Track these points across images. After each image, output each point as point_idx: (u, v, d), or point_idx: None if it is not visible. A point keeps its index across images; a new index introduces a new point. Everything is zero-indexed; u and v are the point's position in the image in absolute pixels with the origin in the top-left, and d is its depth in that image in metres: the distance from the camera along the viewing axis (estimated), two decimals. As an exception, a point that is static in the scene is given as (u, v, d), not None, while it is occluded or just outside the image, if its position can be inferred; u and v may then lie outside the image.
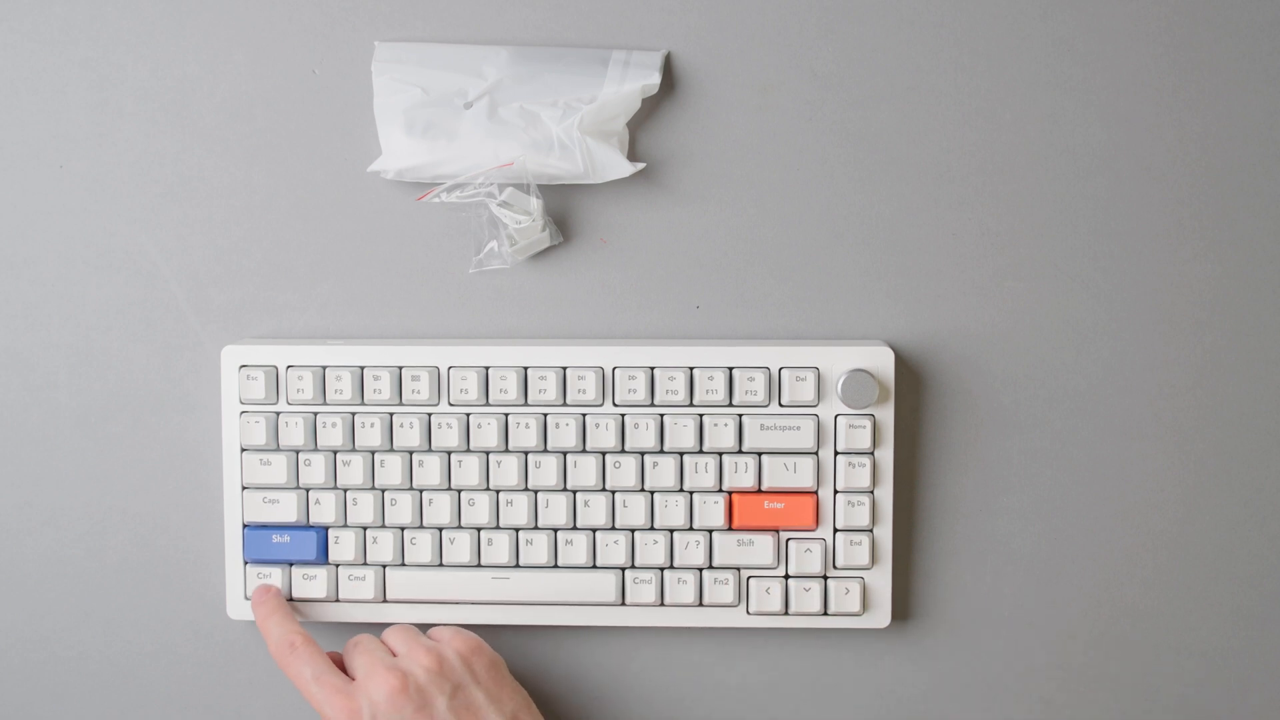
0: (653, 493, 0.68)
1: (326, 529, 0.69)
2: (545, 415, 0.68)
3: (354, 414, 0.68)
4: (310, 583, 0.68)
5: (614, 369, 0.68)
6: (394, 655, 0.64)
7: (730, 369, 0.68)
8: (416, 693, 0.62)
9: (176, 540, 0.72)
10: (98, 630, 0.72)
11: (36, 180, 0.70)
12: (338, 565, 0.69)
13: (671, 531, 0.68)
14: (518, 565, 0.68)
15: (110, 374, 0.71)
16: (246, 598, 0.69)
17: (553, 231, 0.69)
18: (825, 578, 0.69)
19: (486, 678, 0.64)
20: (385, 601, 0.69)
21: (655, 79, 0.68)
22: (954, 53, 0.69)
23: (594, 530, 0.68)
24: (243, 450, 0.68)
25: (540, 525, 0.68)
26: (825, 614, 0.69)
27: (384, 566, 0.69)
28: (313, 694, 0.63)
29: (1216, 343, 0.70)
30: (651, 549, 0.68)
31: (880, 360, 0.68)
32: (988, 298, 0.70)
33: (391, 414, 0.68)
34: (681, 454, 0.68)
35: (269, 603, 0.68)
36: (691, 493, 0.68)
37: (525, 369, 0.68)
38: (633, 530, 0.68)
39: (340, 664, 0.66)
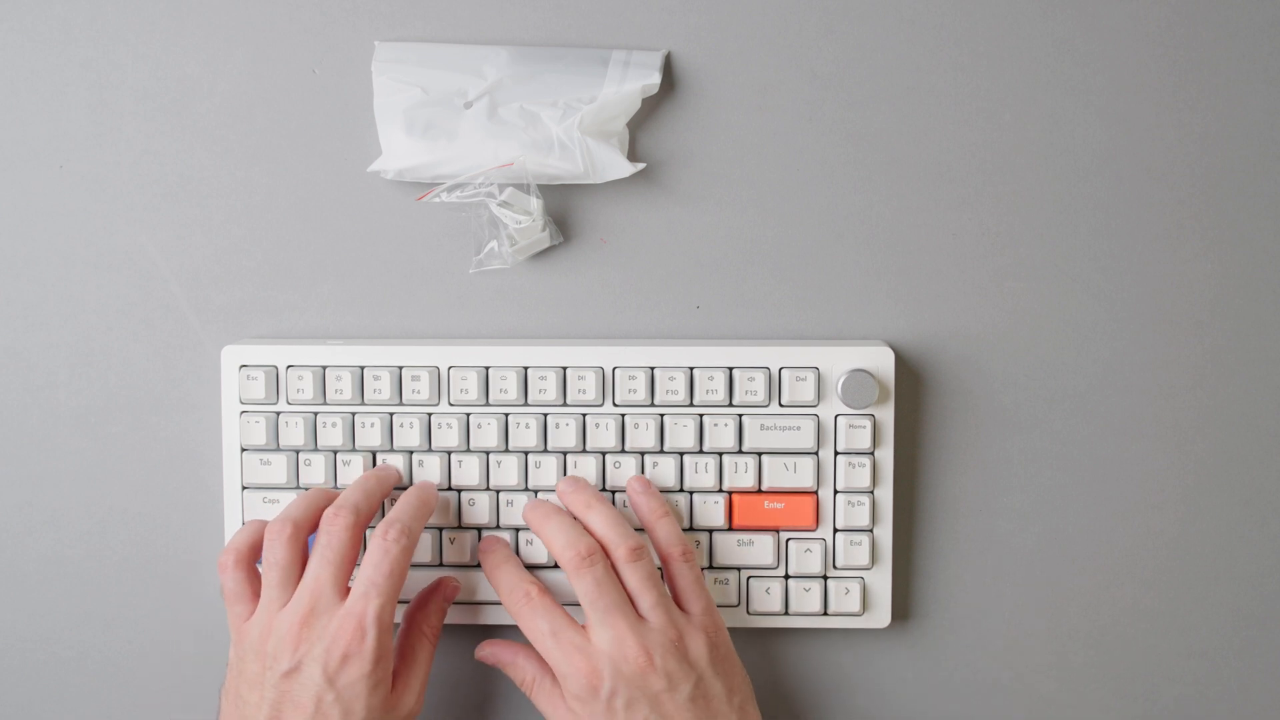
0: (653, 493, 0.68)
1: (326, 529, 0.68)
2: (545, 415, 0.68)
3: (354, 414, 0.68)
4: (310, 583, 0.68)
5: (614, 369, 0.68)
6: (632, 603, 0.62)
7: (730, 369, 0.68)
8: (664, 676, 0.60)
9: (176, 540, 0.72)
10: (98, 630, 0.72)
11: (36, 180, 0.70)
12: (338, 565, 0.69)
13: (671, 531, 0.68)
14: (518, 565, 0.68)
15: (110, 374, 0.71)
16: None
17: (553, 231, 0.69)
18: (825, 578, 0.69)
19: (723, 664, 0.63)
20: (385, 601, 0.69)
21: (655, 79, 0.68)
22: (954, 53, 0.69)
23: (594, 530, 0.68)
24: (243, 450, 0.68)
25: (540, 525, 0.68)
26: (825, 614, 0.69)
27: (384, 566, 0.69)
28: (548, 649, 0.62)
29: (1216, 343, 0.70)
30: (652, 549, 0.68)
31: (880, 360, 0.68)
32: (988, 298, 0.70)
33: (391, 414, 0.68)
34: (681, 454, 0.68)
35: (498, 552, 0.66)
36: (692, 493, 0.68)
37: (525, 369, 0.68)
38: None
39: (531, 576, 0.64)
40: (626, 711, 0.60)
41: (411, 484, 0.68)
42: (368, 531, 0.67)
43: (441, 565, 0.68)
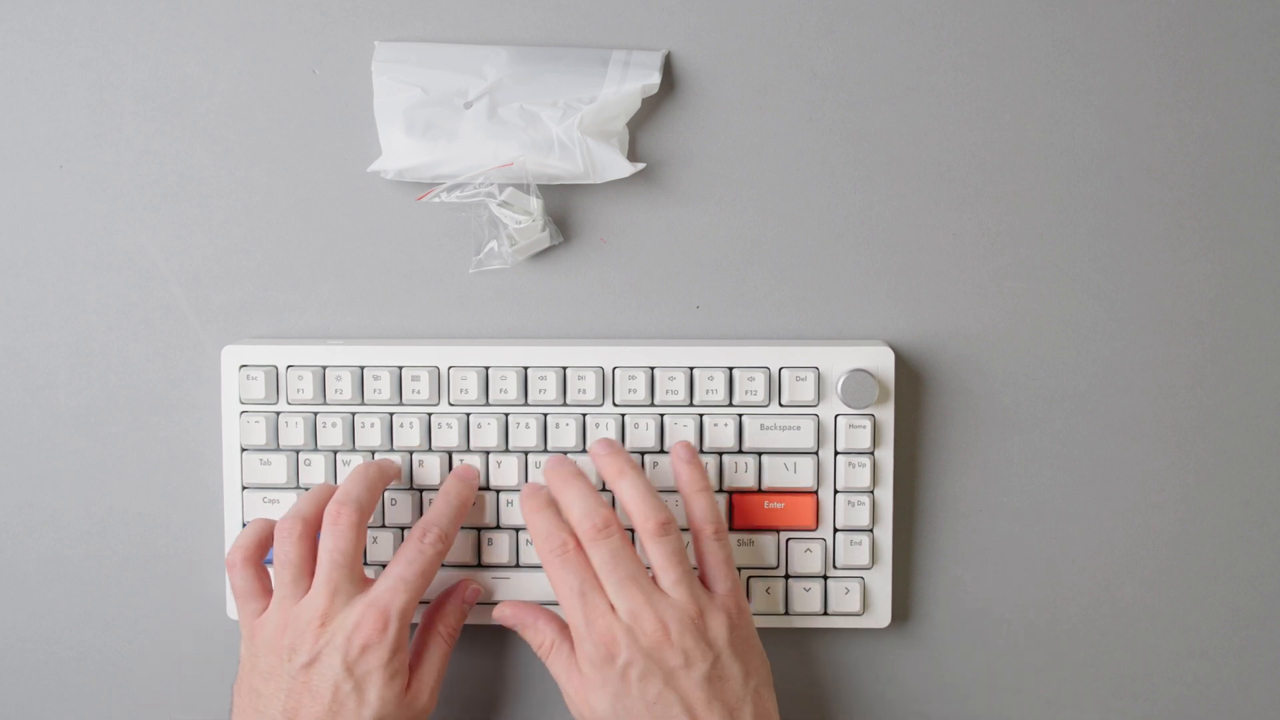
0: (653, 493, 0.68)
1: (326, 529, 0.68)
2: (545, 415, 0.68)
3: (354, 414, 0.68)
4: (310, 583, 0.68)
5: (614, 369, 0.68)
6: (653, 579, 0.62)
7: (730, 369, 0.68)
8: (681, 652, 0.60)
9: (176, 540, 0.72)
10: (98, 630, 0.72)
11: (36, 180, 0.70)
12: (338, 565, 0.69)
13: (671, 531, 0.68)
14: (518, 565, 0.68)
15: (110, 374, 0.71)
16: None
17: (553, 231, 0.69)
18: (825, 578, 0.69)
19: (742, 645, 0.62)
20: (385, 601, 0.69)
21: (655, 79, 0.68)
22: (954, 53, 0.69)
23: (594, 530, 0.68)
24: (243, 450, 0.68)
25: (540, 525, 0.68)
26: (825, 614, 0.69)
27: (384, 566, 0.68)
28: (572, 607, 0.61)
29: (1216, 343, 0.70)
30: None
31: (880, 360, 0.68)
32: (988, 298, 0.70)
33: (391, 414, 0.68)
34: (681, 454, 0.68)
35: (539, 497, 0.65)
36: (691, 493, 0.68)
37: (525, 369, 0.68)
38: (633, 530, 0.68)
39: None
40: (640, 683, 0.60)
41: (409, 478, 0.68)
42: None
43: (442, 565, 0.68)
